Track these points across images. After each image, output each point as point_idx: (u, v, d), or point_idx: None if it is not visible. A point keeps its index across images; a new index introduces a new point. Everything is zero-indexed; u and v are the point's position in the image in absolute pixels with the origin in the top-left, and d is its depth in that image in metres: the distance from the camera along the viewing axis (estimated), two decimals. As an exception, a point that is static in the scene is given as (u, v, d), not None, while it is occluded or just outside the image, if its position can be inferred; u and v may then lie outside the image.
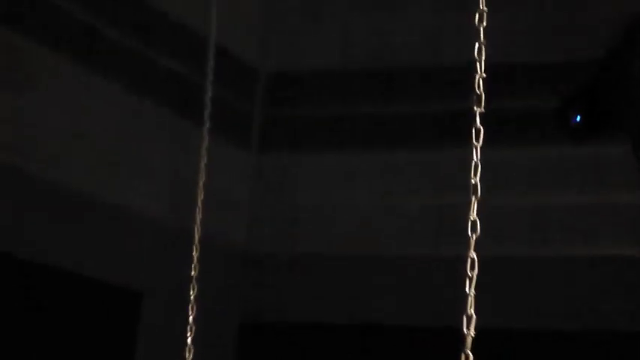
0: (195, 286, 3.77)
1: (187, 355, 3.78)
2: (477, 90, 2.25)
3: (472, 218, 2.09)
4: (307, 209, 8.48)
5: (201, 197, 3.99)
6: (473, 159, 2.20)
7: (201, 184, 4.02)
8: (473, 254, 2.04)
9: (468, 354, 1.99)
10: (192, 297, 3.76)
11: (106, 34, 7.21)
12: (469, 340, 2.00)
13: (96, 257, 6.97)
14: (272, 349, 8.14)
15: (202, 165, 4.08)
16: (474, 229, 2.10)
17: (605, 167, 7.60)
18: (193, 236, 3.91)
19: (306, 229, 8.40)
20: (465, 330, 2.01)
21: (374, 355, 8.03)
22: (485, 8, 2.30)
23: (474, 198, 2.13)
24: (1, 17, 6.37)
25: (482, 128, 2.26)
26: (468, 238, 2.09)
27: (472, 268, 2.05)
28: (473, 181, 2.16)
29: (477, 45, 2.26)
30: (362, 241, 8.25)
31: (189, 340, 3.76)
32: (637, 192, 7.09)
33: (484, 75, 2.28)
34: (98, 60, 7.14)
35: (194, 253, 3.87)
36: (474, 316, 2.02)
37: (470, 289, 2.01)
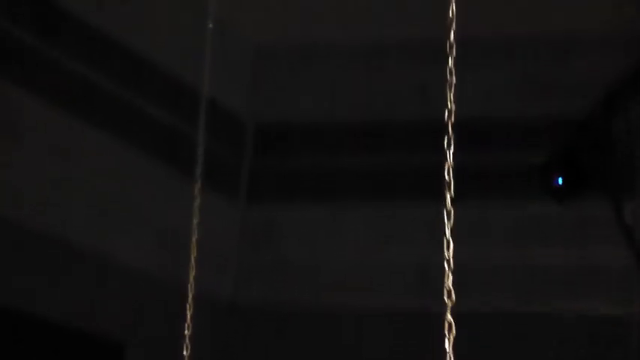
0: (189, 346, 3.74)
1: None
2: (447, 137, 2.27)
3: (447, 288, 2.12)
4: (294, 261, 8.49)
5: (194, 254, 3.99)
6: (444, 212, 2.22)
7: (194, 240, 4.02)
8: (449, 318, 2.08)
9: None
10: (186, 358, 3.72)
11: (98, 85, 7.27)
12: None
13: (81, 307, 6.95)
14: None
15: (195, 223, 4.07)
16: (449, 295, 2.13)
17: (589, 225, 7.65)
18: (186, 293, 3.89)
19: (293, 281, 8.40)
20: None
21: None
22: (452, 67, 2.33)
23: (446, 266, 2.15)
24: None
25: (451, 181, 2.28)
26: (445, 301, 2.11)
27: (450, 330, 2.08)
28: (445, 238, 2.19)
29: (449, 105, 2.29)
30: (349, 294, 8.24)
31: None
32: (620, 250, 7.13)
33: (452, 121, 2.31)
34: (89, 110, 7.18)
35: (187, 312, 3.85)
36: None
37: (449, 348, 2.04)
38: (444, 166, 2.33)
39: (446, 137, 2.31)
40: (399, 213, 8.28)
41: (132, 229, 7.51)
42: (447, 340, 2.05)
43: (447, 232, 2.18)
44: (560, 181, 7.15)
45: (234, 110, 8.60)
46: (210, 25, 4.99)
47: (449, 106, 2.32)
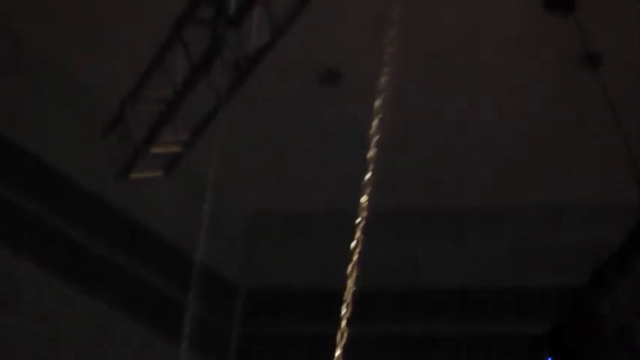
0: None
1: None
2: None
3: None
4: None
5: None
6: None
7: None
8: None
9: None
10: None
11: (90, 249, 7.33)
12: None
13: None
14: None
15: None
16: None
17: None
18: None
19: None
20: None
21: None
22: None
23: None
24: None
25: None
26: None
27: None
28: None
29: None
30: None
31: None
32: None
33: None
34: (80, 275, 7.22)
35: None
36: None
37: None
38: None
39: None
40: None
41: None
42: None
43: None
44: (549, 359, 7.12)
45: (227, 276, 8.64)
46: (206, 206, 5.11)
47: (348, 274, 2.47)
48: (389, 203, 8.23)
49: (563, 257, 7.91)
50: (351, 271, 2.54)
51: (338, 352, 2.26)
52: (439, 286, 8.29)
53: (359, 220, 2.48)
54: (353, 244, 2.53)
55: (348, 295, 2.42)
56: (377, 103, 4.10)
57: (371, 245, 8.98)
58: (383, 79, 3.99)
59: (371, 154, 3.91)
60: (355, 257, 2.51)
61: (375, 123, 4.00)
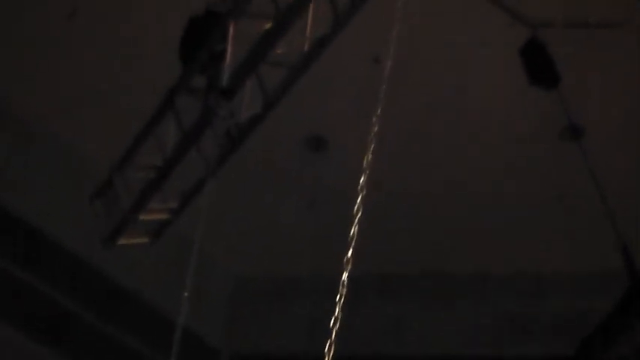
0: None
1: None
2: None
3: None
4: None
5: None
6: None
7: None
8: None
9: None
10: None
11: (74, 313, 7.30)
12: None
13: None
14: None
15: None
16: None
17: None
18: None
19: None
20: None
21: None
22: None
23: None
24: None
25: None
26: None
27: None
28: None
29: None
30: None
31: None
32: None
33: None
34: (63, 338, 7.18)
35: None
36: None
37: None
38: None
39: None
40: None
41: None
42: None
43: None
44: None
45: (210, 340, 8.60)
46: (190, 269, 5.11)
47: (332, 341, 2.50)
48: (375, 269, 8.27)
49: (550, 326, 7.94)
50: (333, 339, 2.57)
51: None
52: (424, 352, 8.29)
53: (342, 284, 2.51)
54: (336, 310, 2.57)
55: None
56: (362, 181, 4.15)
57: (357, 310, 9.01)
58: (366, 157, 4.05)
59: (354, 230, 3.95)
60: (336, 326, 2.54)
61: (359, 200, 4.05)
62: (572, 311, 7.81)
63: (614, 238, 6.27)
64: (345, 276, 3.63)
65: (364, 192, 4.07)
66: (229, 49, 5.14)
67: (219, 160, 5.76)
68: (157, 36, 6.52)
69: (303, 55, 5.12)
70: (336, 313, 2.58)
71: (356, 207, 4.03)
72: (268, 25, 4.94)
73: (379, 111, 3.87)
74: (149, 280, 7.96)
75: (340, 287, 2.56)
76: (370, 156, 3.97)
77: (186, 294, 5.28)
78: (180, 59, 5.68)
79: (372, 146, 3.90)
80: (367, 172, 4.02)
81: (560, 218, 7.84)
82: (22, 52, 6.92)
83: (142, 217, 6.28)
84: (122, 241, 6.44)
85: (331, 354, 2.53)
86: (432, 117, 7.20)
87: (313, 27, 4.98)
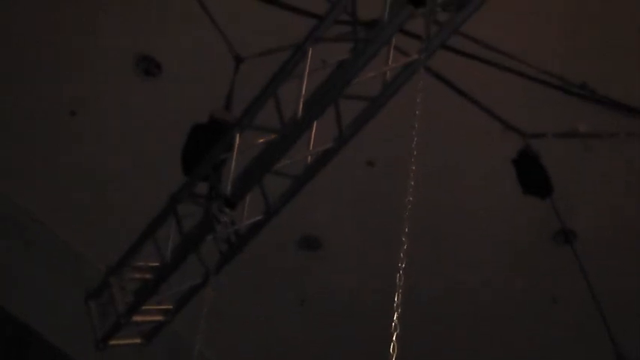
0: None
1: None
2: None
3: None
4: None
5: None
6: None
7: None
8: None
9: None
10: None
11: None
12: None
13: None
14: None
15: None
16: None
17: None
18: None
19: None
20: None
21: None
22: None
23: None
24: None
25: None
26: None
27: None
28: None
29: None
30: None
31: None
32: None
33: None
34: None
35: None
36: None
37: None
38: None
39: None
40: None
41: None
42: None
43: None
44: None
45: None
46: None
47: None
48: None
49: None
50: None
51: None
52: None
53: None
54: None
55: None
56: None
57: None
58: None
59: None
60: None
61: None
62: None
63: (609, 343, 6.29)
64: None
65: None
66: (234, 158, 5.17)
67: (218, 265, 5.76)
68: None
69: (306, 166, 5.17)
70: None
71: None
72: (273, 136, 4.98)
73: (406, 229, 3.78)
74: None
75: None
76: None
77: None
78: (182, 166, 5.71)
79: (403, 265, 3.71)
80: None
81: (554, 325, 7.90)
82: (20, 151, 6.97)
83: (136, 318, 6.23)
84: (114, 342, 6.38)
85: None
86: (434, 215, 7.26)
87: (317, 139, 5.02)
